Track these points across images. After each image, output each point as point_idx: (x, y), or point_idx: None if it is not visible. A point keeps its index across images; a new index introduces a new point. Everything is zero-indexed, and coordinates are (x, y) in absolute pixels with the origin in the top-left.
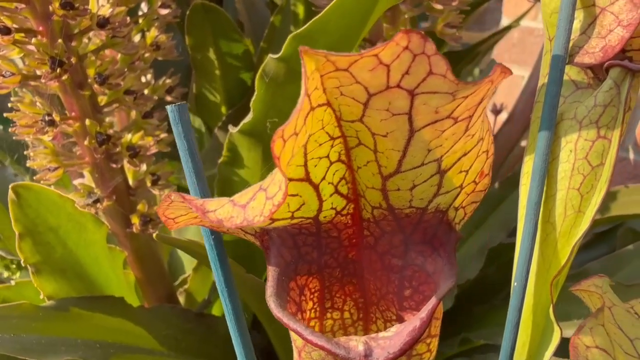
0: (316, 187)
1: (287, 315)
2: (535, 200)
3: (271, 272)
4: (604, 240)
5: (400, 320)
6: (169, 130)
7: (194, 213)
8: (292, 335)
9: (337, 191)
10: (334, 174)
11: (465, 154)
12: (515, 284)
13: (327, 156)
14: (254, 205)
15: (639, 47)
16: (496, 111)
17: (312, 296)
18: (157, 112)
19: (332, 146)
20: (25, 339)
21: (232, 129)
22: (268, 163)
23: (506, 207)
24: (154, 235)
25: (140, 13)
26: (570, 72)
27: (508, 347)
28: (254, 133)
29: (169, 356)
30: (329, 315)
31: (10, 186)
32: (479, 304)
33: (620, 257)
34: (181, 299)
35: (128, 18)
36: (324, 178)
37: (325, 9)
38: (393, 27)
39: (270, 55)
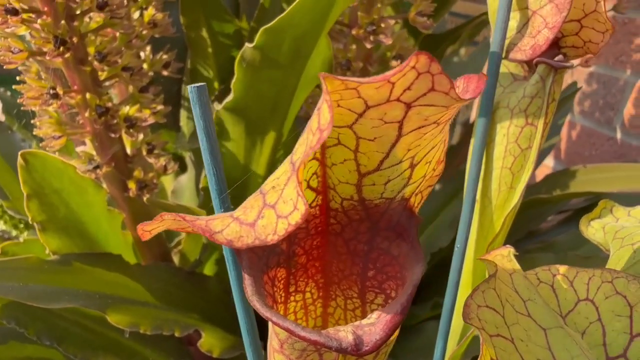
0: None
1: (275, 314)
2: (474, 176)
3: (246, 270)
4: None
5: (362, 296)
6: (165, 103)
7: (172, 222)
8: (275, 328)
9: (308, 186)
10: (307, 171)
11: (433, 147)
12: (457, 247)
13: None
14: (265, 224)
15: (572, 44)
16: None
17: (279, 284)
18: (153, 87)
19: None
20: (33, 288)
21: (217, 106)
22: (250, 137)
23: None
24: (145, 199)
25: None
26: (510, 66)
27: (449, 304)
28: (237, 110)
29: (161, 308)
30: (292, 298)
31: (19, 153)
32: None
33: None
34: (175, 258)
35: (125, 1)
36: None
37: (289, 8)
38: (368, 15)
39: (247, 44)
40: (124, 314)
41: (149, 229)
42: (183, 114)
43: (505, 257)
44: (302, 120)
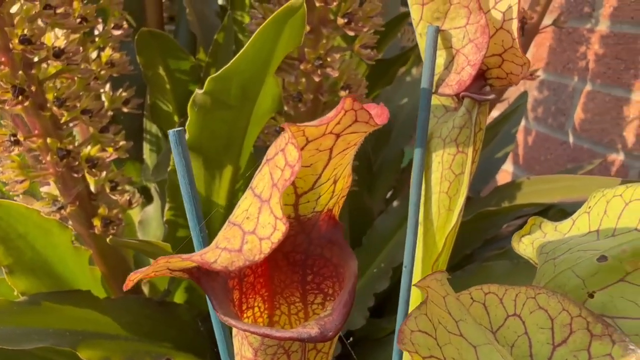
0: None
1: (251, 325)
2: (415, 201)
3: (215, 297)
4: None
5: (304, 300)
6: (128, 137)
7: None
8: (249, 338)
9: None
10: None
11: (347, 164)
12: (405, 267)
13: None
14: (250, 247)
15: (497, 76)
16: None
17: (236, 304)
18: (114, 126)
19: None
20: (2, 331)
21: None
22: (209, 171)
23: None
24: (107, 240)
25: (96, 33)
26: (441, 98)
27: (401, 320)
28: (193, 147)
29: (132, 340)
30: (245, 315)
31: None
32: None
33: None
34: (145, 289)
35: (81, 48)
36: None
37: (234, 58)
38: (314, 50)
39: (197, 90)
40: (95, 348)
41: (144, 275)
42: (146, 146)
43: (439, 281)
44: (260, 150)
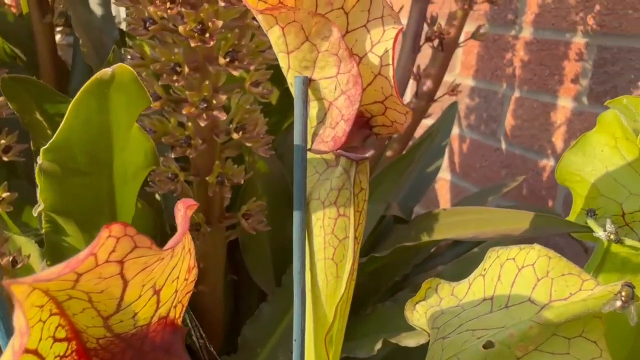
0: (36, 353)
1: None
2: (299, 269)
3: None
4: (454, 245)
5: None
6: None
7: None
8: None
9: (56, 339)
10: (49, 328)
11: (173, 268)
12: (295, 340)
13: (40, 320)
14: None
15: (382, 123)
16: None
17: None
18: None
19: (41, 309)
20: None
21: (39, 207)
22: (87, 232)
23: None
24: None
25: None
26: None
27: None
28: (59, 212)
29: None
30: None
31: None
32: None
33: (468, 259)
34: None
35: None
36: (40, 339)
37: (58, 130)
38: (197, 92)
39: (38, 159)
40: None
41: None
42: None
43: None
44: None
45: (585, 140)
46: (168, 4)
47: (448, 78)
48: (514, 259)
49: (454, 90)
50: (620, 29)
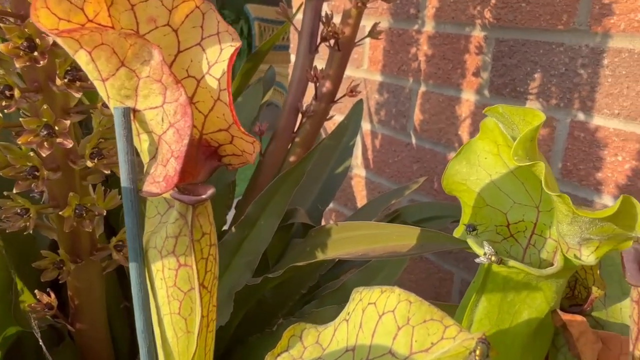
0: None
1: None
2: (142, 327)
3: None
4: None
5: None
6: None
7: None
8: None
9: None
10: None
11: None
12: None
13: None
14: None
15: (232, 152)
16: (260, 132)
17: None
18: None
19: None
20: None
21: None
22: None
23: (246, 247)
24: None
25: None
26: None
27: None
28: None
29: None
30: None
31: None
32: (253, 333)
33: (373, 267)
34: None
35: None
36: None
37: None
38: (37, 118)
39: None
40: None
41: None
42: None
43: None
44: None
45: (469, 147)
46: None
47: (357, 74)
48: (374, 303)
49: (352, 91)
50: (515, 22)
